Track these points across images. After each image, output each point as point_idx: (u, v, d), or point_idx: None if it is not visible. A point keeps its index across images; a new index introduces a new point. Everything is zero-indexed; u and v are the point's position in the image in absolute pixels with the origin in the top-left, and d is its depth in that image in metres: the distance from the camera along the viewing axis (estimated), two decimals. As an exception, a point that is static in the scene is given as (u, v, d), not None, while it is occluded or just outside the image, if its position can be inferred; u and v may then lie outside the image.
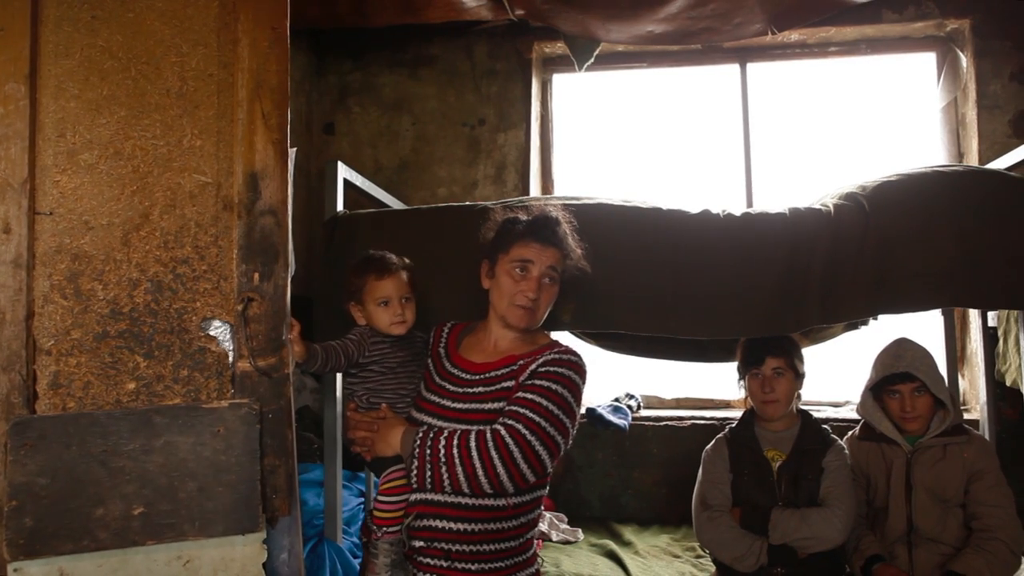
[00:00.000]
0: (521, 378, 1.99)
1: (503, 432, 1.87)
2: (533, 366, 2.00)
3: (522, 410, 1.91)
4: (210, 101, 1.86)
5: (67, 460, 1.69)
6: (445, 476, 1.87)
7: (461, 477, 1.86)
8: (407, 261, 2.21)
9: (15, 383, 1.73)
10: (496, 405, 1.98)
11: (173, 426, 1.74)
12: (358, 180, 2.97)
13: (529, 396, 1.93)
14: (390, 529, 1.98)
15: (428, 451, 1.88)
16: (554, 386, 1.95)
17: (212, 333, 1.82)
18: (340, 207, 2.79)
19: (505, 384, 2.01)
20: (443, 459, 1.87)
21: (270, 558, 1.79)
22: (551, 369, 1.98)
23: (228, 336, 1.83)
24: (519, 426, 1.88)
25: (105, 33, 1.84)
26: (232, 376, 1.82)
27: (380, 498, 2.01)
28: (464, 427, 1.94)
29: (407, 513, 1.97)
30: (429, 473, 1.88)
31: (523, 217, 2.13)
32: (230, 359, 1.82)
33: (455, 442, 1.88)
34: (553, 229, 2.09)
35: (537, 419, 1.89)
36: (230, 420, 1.76)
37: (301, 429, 3.93)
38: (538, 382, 1.96)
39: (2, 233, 1.76)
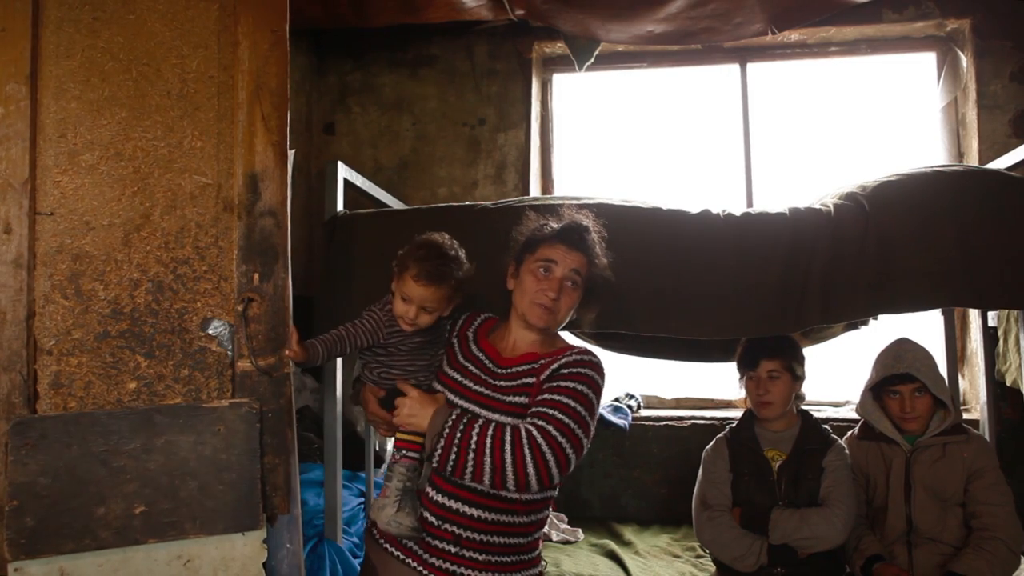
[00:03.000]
0: (543, 375, 1.99)
1: (535, 433, 1.84)
2: (555, 365, 2.00)
3: (551, 411, 1.88)
4: (210, 103, 1.87)
5: (68, 459, 1.69)
6: (470, 464, 1.83)
7: (487, 468, 1.82)
8: (463, 273, 2.07)
9: (16, 383, 1.74)
10: (517, 399, 1.98)
11: (174, 425, 1.75)
12: (358, 180, 2.98)
13: (557, 397, 1.91)
14: (410, 453, 1.95)
15: (459, 434, 1.85)
16: (580, 387, 1.94)
17: (212, 333, 1.83)
18: (340, 207, 2.80)
19: (526, 380, 2.01)
20: (473, 446, 1.83)
21: (270, 557, 1.80)
22: (575, 370, 1.98)
23: (228, 336, 1.83)
24: (550, 428, 1.85)
25: (106, 34, 1.85)
26: (232, 376, 1.83)
27: None
28: (496, 417, 1.93)
29: (430, 479, 1.96)
30: (454, 456, 1.84)
31: (554, 223, 2.13)
32: (230, 359, 1.83)
33: (489, 432, 1.84)
34: (582, 235, 2.09)
35: (567, 420, 1.88)
36: (230, 419, 1.77)
37: (301, 429, 3.93)
38: (564, 383, 1.94)
39: (3, 233, 1.77)
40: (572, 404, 1.90)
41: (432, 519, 1.95)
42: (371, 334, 2.06)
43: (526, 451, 1.82)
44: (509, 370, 2.05)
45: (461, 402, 2.00)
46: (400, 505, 1.92)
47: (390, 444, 2.07)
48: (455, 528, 1.93)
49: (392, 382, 2.07)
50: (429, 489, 1.97)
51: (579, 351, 2.05)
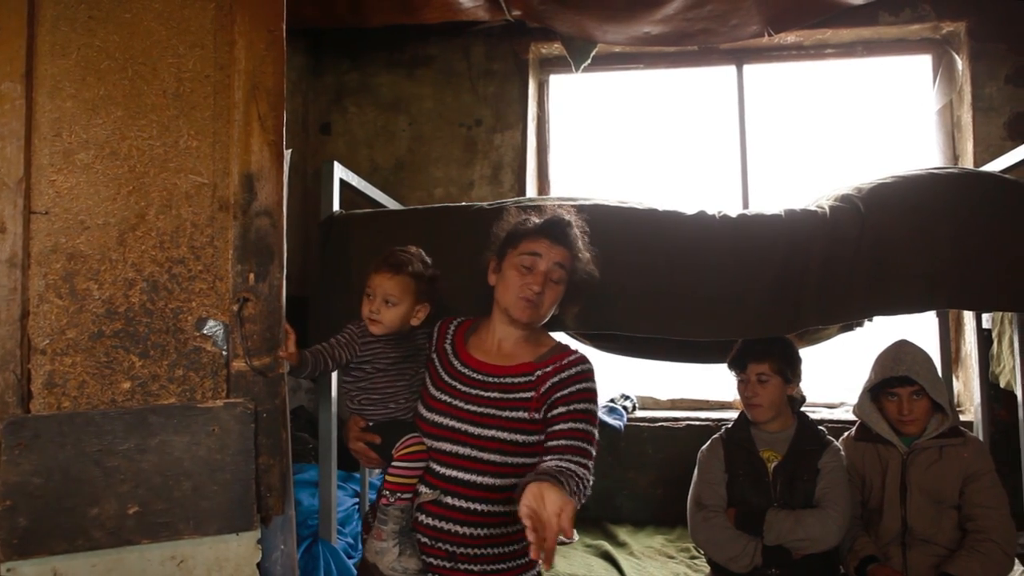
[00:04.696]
0: (543, 388, 1.99)
1: (581, 477, 1.86)
2: (556, 378, 2.00)
3: (584, 445, 1.92)
4: (206, 102, 1.87)
5: (62, 459, 1.69)
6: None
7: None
8: (425, 269, 2.12)
9: (9, 382, 1.73)
10: (513, 414, 1.97)
11: (168, 425, 1.74)
12: (354, 180, 2.97)
13: (582, 427, 1.94)
14: (403, 495, 1.95)
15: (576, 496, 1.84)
16: (592, 406, 2.00)
17: (207, 333, 1.83)
18: (336, 207, 2.79)
19: (523, 395, 2.00)
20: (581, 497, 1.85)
21: (264, 557, 1.80)
22: (583, 387, 2.01)
23: (223, 336, 1.83)
24: (588, 463, 1.90)
25: (102, 33, 1.84)
26: (227, 376, 1.82)
27: (395, 463, 1.97)
28: (491, 434, 1.94)
29: (420, 507, 1.97)
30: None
31: (535, 218, 2.12)
32: (225, 359, 1.83)
33: (582, 483, 1.86)
34: (564, 230, 2.08)
35: (592, 451, 1.93)
36: (225, 419, 1.77)
37: (296, 429, 3.93)
38: (580, 407, 1.97)
39: (-3, 232, 1.76)
40: (592, 431, 1.97)
41: (426, 539, 1.96)
42: (347, 347, 2.07)
43: (580, 499, 1.85)
44: (502, 380, 2.03)
45: (454, 423, 1.98)
46: (401, 548, 1.92)
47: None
48: (449, 546, 1.94)
49: (372, 408, 2.08)
50: (420, 515, 1.97)
51: (573, 360, 2.06)
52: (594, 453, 1.94)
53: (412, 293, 2.08)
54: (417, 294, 2.09)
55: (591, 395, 2.01)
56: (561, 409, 1.96)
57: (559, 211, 2.16)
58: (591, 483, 1.90)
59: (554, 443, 1.93)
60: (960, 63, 4.28)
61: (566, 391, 1.99)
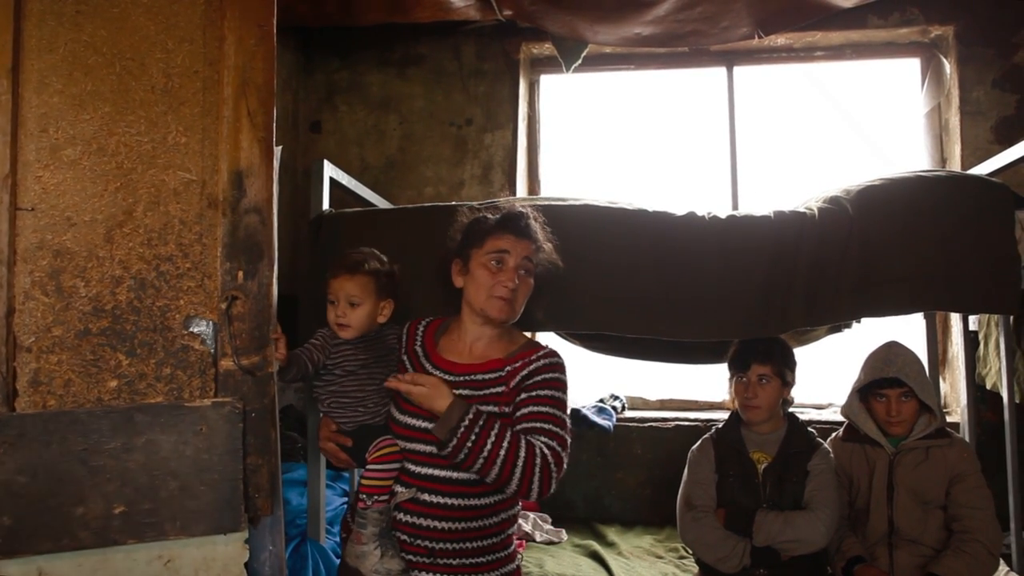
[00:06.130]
0: (512, 383, 2.00)
1: (547, 453, 1.90)
2: (525, 372, 2.01)
3: (549, 426, 1.94)
4: (195, 98, 1.85)
5: (47, 458, 1.67)
6: (478, 464, 1.85)
7: (493, 473, 1.85)
8: (382, 266, 2.15)
9: (-6, 380, 1.72)
10: (485, 408, 1.97)
11: (155, 425, 1.73)
12: (344, 179, 2.96)
13: (547, 410, 1.97)
14: (380, 498, 1.96)
15: (473, 436, 1.85)
16: (558, 394, 2.01)
17: (195, 331, 1.81)
18: (326, 206, 2.79)
19: (494, 390, 2.01)
20: (485, 453, 1.84)
21: (252, 558, 1.78)
22: (550, 376, 2.02)
23: (211, 334, 1.82)
24: (555, 445, 1.92)
25: (89, 28, 1.82)
26: (215, 375, 1.81)
27: (370, 467, 1.98)
28: (509, 423, 1.95)
29: (398, 505, 1.97)
30: (463, 455, 1.85)
31: (491, 215, 2.14)
32: (213, 357, 1.81)
33: (504, 443, 1.86)
34: (527, 222, 2.10)
35: (563, 434, 1.96)
36: (213, 419, 1.75)
37: (285, 428, 3.90)
38: (544, 393, 1.99)
39: (-18, 229, 1.74)
40: (561, 415, 1.98)
41: (405, 537, 1.97)
42: (321, 350, 2.08)
43: (536, 469, 1.87)
44: (473, 377, 2.04)
45: (428, 424, 1.97)
46: (383, 550, 1.93)
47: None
48: (428, 543, 1.95)
49: (342, 412, 2.08)
50: (398, 513, 1.98)
51: (544, 353, 2.07)
52: (566, 437, 1.97)
53: (373, 291, 2.10)
54: (378, 291, 2.11)
55: (557, 383, 2.03)
56: (524, 396, 1.99)
57: (514, 205, 2.18)
58: (564, 464, 1.93)
59: (520, 426, 1.95)
60: (948, 67, 4.31)
61: (532, 380, 2.01)
